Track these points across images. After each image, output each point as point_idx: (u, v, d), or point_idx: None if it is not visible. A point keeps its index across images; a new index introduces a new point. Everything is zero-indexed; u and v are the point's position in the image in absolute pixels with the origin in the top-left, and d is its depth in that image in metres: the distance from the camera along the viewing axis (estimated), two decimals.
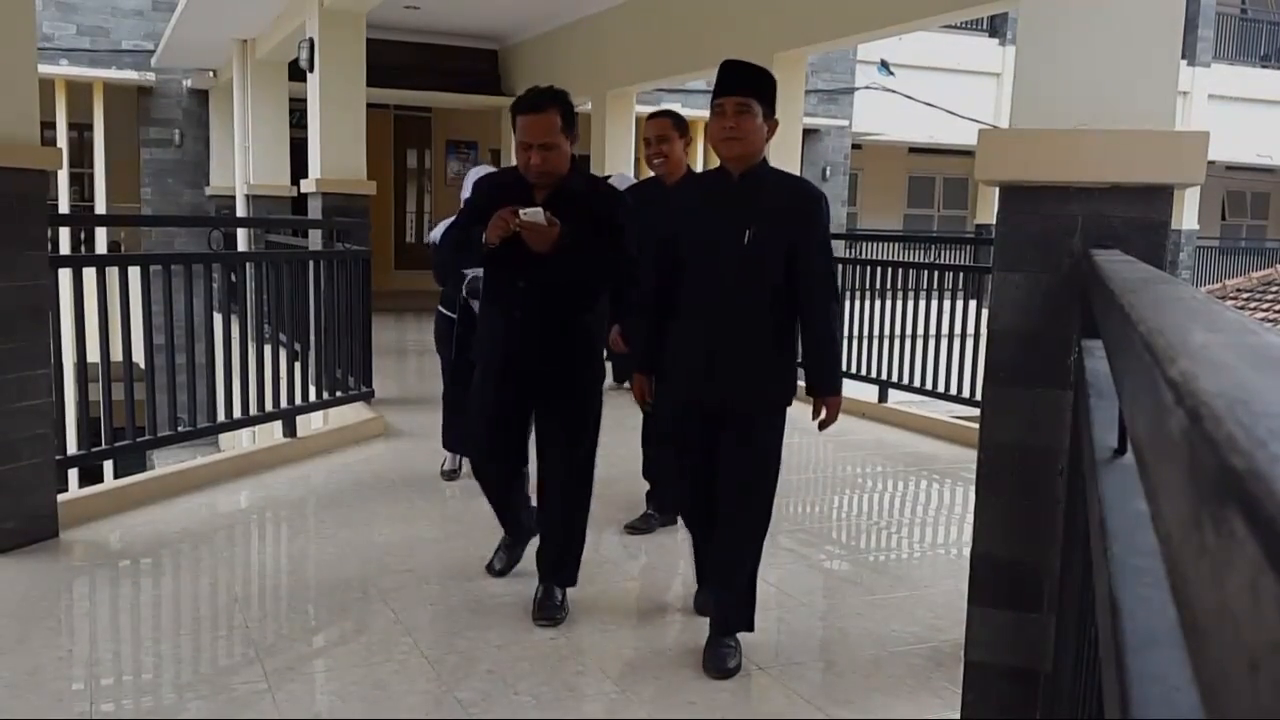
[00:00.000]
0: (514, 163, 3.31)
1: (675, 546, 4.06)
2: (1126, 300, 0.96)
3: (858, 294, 7.47)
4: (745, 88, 2.85)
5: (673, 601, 3.61)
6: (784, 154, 7.61)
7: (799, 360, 3.03)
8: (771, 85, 2.92)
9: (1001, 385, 2.39)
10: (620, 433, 4.76)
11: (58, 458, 4.02)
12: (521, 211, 2.98)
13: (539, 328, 3.19)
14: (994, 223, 2.48)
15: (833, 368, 3.02)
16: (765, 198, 2.88)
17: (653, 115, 4.09)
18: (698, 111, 13.60)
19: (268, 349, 5.50)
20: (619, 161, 9.85)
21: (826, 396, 2.97)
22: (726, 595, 3.07)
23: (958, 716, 2.52)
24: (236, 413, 5.20)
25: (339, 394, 5.91)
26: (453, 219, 3.56)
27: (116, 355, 4.44)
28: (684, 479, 3.12)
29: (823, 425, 3.01)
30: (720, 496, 3.00)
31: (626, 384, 5.95)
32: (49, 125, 11.02)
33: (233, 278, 7.12)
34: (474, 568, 3.70)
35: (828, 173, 14.35)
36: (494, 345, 3.29)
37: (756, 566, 3.11)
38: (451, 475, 4.92)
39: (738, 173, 2.90)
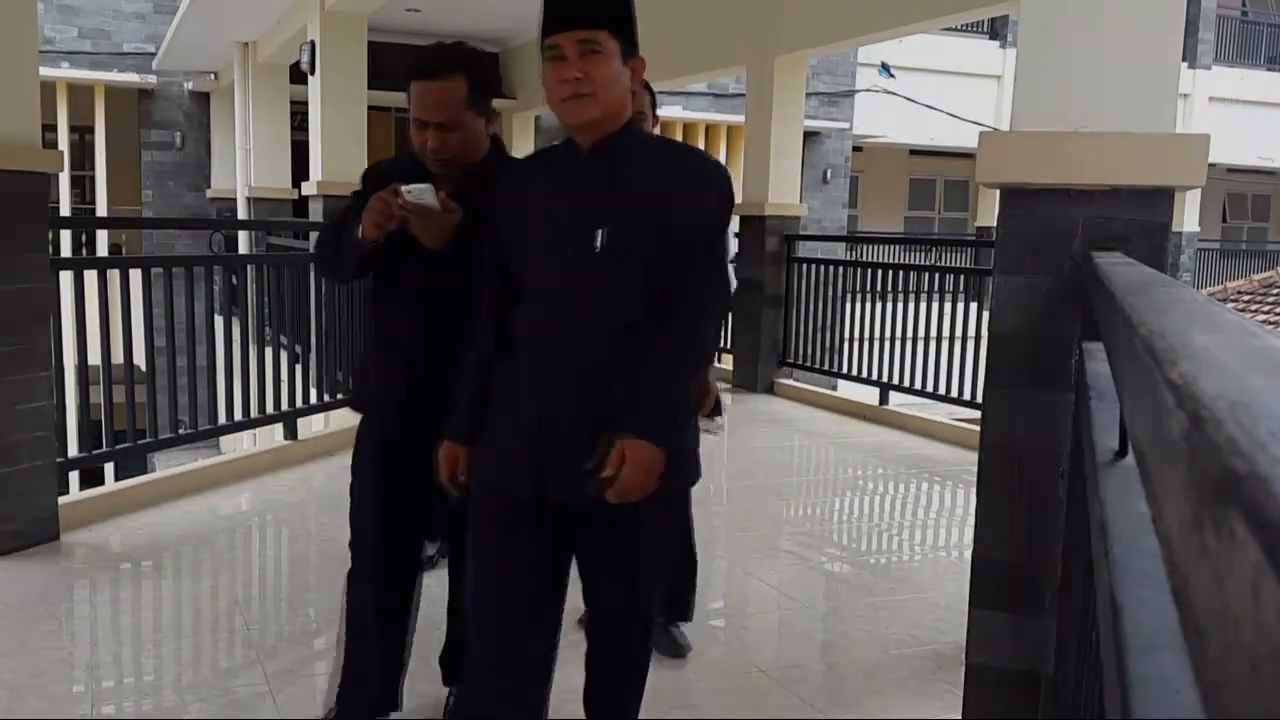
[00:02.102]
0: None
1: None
2: (1127, 303, 0.96)
3: (858, 296, 7.48)
4: (588, 14, 1.87)
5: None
6: (785, 156, 7.63)
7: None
8: (626, 7, 1.97)
9: (1002, 387, 2.39)
10: None
11: (58, 460, 4.02)
12: (405, 189, 2.16)
13: (441, 375, 2.19)
14: (995, 225, 2.48)
15: (662, 409, 1.85)
16: (630, 179, 1.91)
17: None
18: (699, 114, 13.64)
19: (268, 351, 5.50)
20: None
21: (632, 438, 1.79)
22: None
23: (959, 719, 2.52)
24: (237, 415, 5.20)
25: (340, 396, 5.91)
26: None
27: (117, 358, 4.44)
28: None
29: (603, 484, 1.78)
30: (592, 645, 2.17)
31: None
32: (50, 128, 11.03)
33: (234, 280, 7.13)
34: None
35: (828, 175, 14.36)
36: (377, 405, 2.46)
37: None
38: None
39: (589, 144, 1.91)
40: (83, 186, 12.79)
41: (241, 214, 10.28)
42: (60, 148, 11.05)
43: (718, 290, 1.96)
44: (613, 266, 1.88)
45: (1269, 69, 18.80)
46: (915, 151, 17.47)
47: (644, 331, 1.86)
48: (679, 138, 13.19)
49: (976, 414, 4.26)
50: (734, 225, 6.28)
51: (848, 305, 7.59)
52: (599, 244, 1.87)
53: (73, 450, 4.60)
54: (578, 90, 1.83)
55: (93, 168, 12.01)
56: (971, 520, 2.54)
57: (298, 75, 8.75)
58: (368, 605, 2.42)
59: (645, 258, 1.88)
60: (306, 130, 7.62)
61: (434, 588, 2.88)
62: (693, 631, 3.29)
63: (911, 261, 11.89)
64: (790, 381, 7.65)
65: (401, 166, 2.37)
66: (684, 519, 3.19)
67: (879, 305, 7.16)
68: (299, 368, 5.73)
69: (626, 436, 1.78)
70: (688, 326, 1.89)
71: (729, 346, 8.26)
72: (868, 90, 14.77)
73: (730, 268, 2.39)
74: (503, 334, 1.99)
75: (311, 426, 5.81)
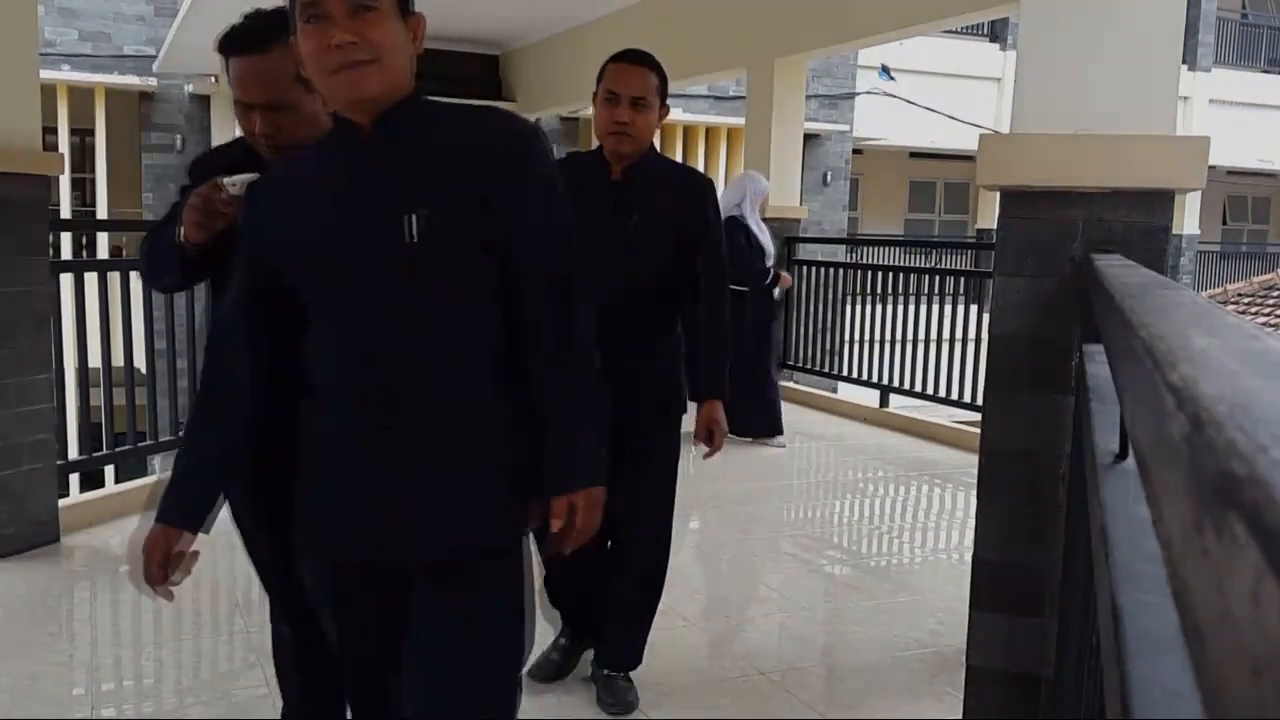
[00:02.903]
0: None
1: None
2: (1127, 305, 0.96)
3: (858, 299, 7.48)
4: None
5: (672, 601, 3.61)
6: (785, 159, 7.63)
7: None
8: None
9: (1002, 390, 2.39)
10: None
11: (59, 463, 4.02)
12: (228, 181, 1.85)
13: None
14: (995, 228, 2.48)
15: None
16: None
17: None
18: (700, 117, 13.64)
19: None
20: None
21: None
22: None
23: None
24: None
25: None
26: None
27: (118, 360, 4.44)
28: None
29: (556, 541, 1.66)
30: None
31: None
32: (51, 130, 11.03)
33: None
34: None
35: (829, 178, 14.36)
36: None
37: None
38: None
39: (369, 121, 1.63)
40: (83, 189, 12.80)
41: None
42: (61, 150, 11.05)
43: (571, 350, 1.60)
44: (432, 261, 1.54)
45: (1269, 71, 18.81)
46: (915, 154, 17.48)
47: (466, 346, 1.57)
48: (679, 140, 13.15)
49: (977, 416, 4.26)
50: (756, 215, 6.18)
51: (848, 308, 7.59)
52: (411, 232, 1.52)
53: (73, 453, 4.60)
54: (352, 57, 1.45)
55: (93, 170, 12.01)
56: (972, 523, 2.54)
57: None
58: (286, 647, 2.21)
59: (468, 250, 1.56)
60: None
61: None
62: (695, 633, 3.29)
63: (912, 264, 11.89)
64: (790, 384, 7.65)
65: (234, 156, 2.02)
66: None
67: (879, 308, 7.16)
68: None
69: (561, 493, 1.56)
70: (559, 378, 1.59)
71: None
72: (868, 93, 14.78)
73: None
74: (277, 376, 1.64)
75: None
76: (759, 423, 5.88)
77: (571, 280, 1.59)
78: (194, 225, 1.89)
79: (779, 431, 5.97)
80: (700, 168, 13.49)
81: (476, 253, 1.54)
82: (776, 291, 6.23)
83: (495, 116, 1.63)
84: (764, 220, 6.05)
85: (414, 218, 1.50)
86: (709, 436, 2.70)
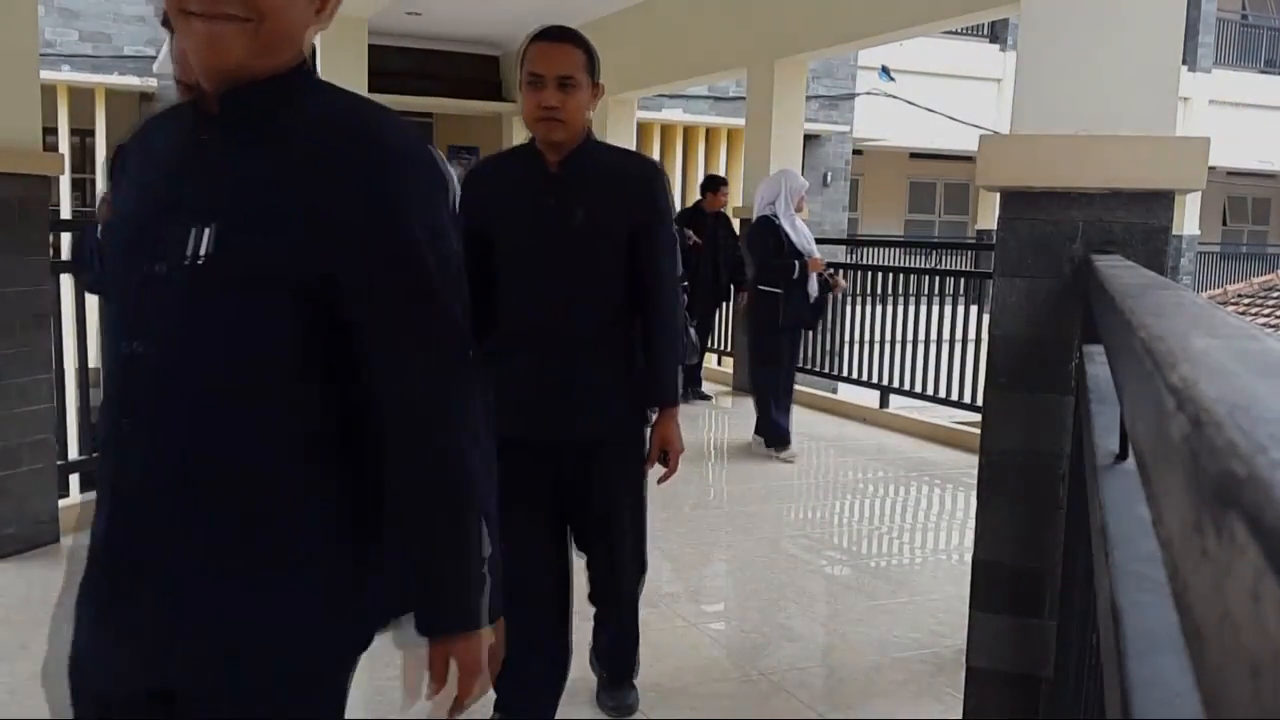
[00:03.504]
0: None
1: (670, 548, 4.05)
2: (1127, 305, 0.96)
3: (858, 299, 7.48)
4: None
5: (672, 602, 3.61)
6: (785, 159, 7.63)
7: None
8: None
9: (1003, 390, 2.39)
10: None
11: (59, 463, 4.02)
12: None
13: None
14: (995, 228, 2.48)
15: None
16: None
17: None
18: (700, 117, 13.64)
19: None
20: None
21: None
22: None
23: None
24: None
25: None
26: None
27: None
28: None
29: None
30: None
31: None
32: (51, 131, 11.03)
33: None
34: None
35: (829, 178, 14.37)
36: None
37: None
38: None
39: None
40: (83, 189, 12.80)
41: None
42: (61, 150, 11.06)
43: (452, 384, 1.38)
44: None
45: (1269, 72, 18.81)
46: (915, 155, 17.48)
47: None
48: (679, 140, 13.18)
49: (977, 417, 4.26)
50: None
51: (848, 308, 7.59)
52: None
53: (73, 453, 4.60)
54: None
55: (93, 171, 12.02)
56: (972, 523, 2.54)
57: None
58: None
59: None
60: None
61: None
62: (696, 631, 3.29)
63: (912, 264, 11.90)
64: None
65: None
66: None
67: (879, 308, 7.16)
68: None
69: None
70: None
71: (728, 349, 8.27)
72: (868, 93, 14.78)
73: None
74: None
75: None
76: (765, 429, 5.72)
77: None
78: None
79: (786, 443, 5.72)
80: (700, 168, 13.49)
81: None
82: (813, 289, 5.55)
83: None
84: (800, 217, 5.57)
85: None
86: (663, 457, 2.43)
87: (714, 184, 7.25)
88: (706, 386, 7.52)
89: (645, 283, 2.33)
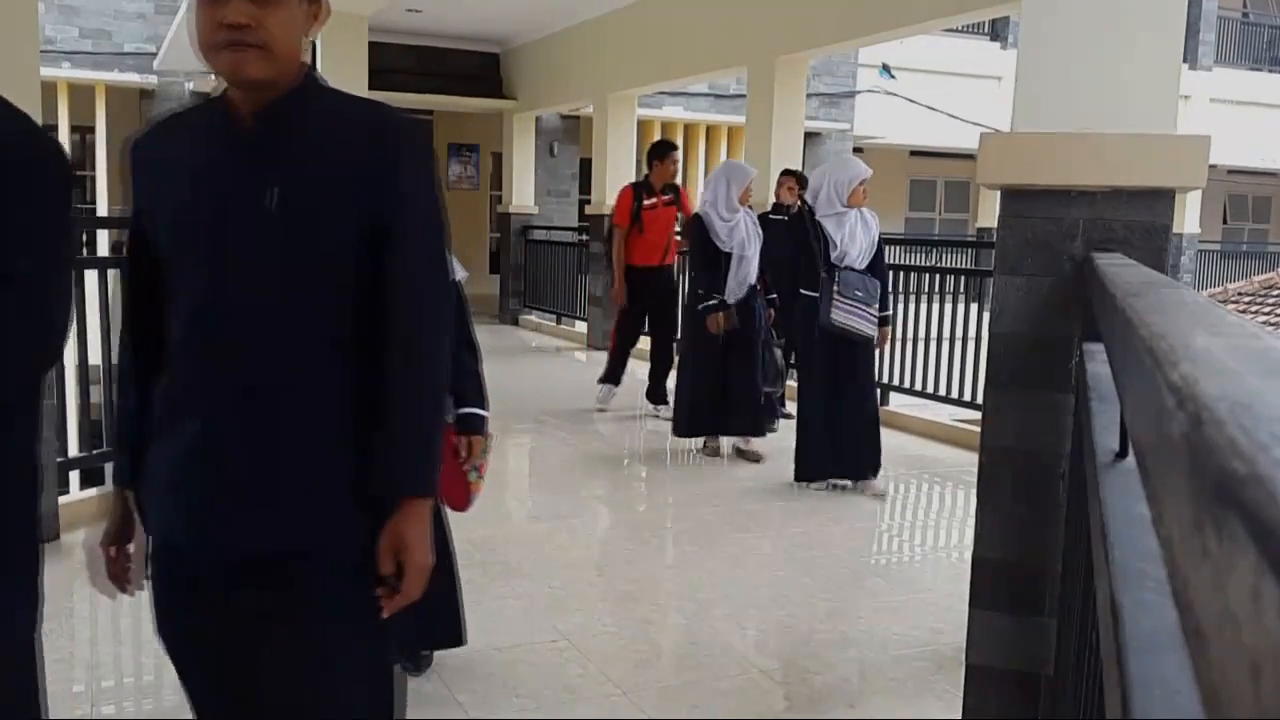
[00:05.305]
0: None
1: (670, 546, 4.05)
2: (1128, 304, 0.96)
3: None
4: None
5: (671, 600, 3.61)
6: (786, 157, 7.63)
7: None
8: None
9: (1003, 389, 2.39)
10: None
11: (59, 460, 4.02)
12: None
13: None
14: (995, 226, 2.48)
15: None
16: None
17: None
18: (699, 115, 13.63)
19: None
20: (621, 165, 9.85)
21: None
22: None
23: (958, 719, 2.52)
24: None
25: None
26: None
27: (118, 357, 4.44)
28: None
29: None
30: None
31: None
32: (51, 128, 11.01)
33: None
34: (476, 561, 3.70)
35: None
36: None
37: None
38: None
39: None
40: (83, 186, 12.78)
41: None
42: None
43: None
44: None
45: (1270, 70, 18.80)
46: (916, 152, 17.47)
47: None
48: (679, 139, 13.08)
49: (977, 415, 4.26)
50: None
51: None
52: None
53: (73, 450, 4.60)
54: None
55: (93, 168, 12.01)
56: (972, 521, 2.54)
57: None
58: None
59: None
60: None
61: None
62: (697, 630, 3.28)
63: (912, 262, 11.88)
64: (791, 383, 7.64)
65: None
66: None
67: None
68: None
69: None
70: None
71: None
72: (868, 91, 14.77)
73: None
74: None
75: None
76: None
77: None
78: None
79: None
80: (701, 167, 13.44)
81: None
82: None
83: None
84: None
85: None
86: (396, 569, 1.45)
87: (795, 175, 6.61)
88: None
89: (385, 302, 1.48)
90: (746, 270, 5.37)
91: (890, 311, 5.21)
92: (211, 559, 1.49)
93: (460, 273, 2.49)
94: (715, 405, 5.48)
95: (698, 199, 5.59)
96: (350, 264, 1.47)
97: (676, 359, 6.42)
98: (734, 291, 5.35)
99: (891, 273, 7.54)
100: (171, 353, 1.52)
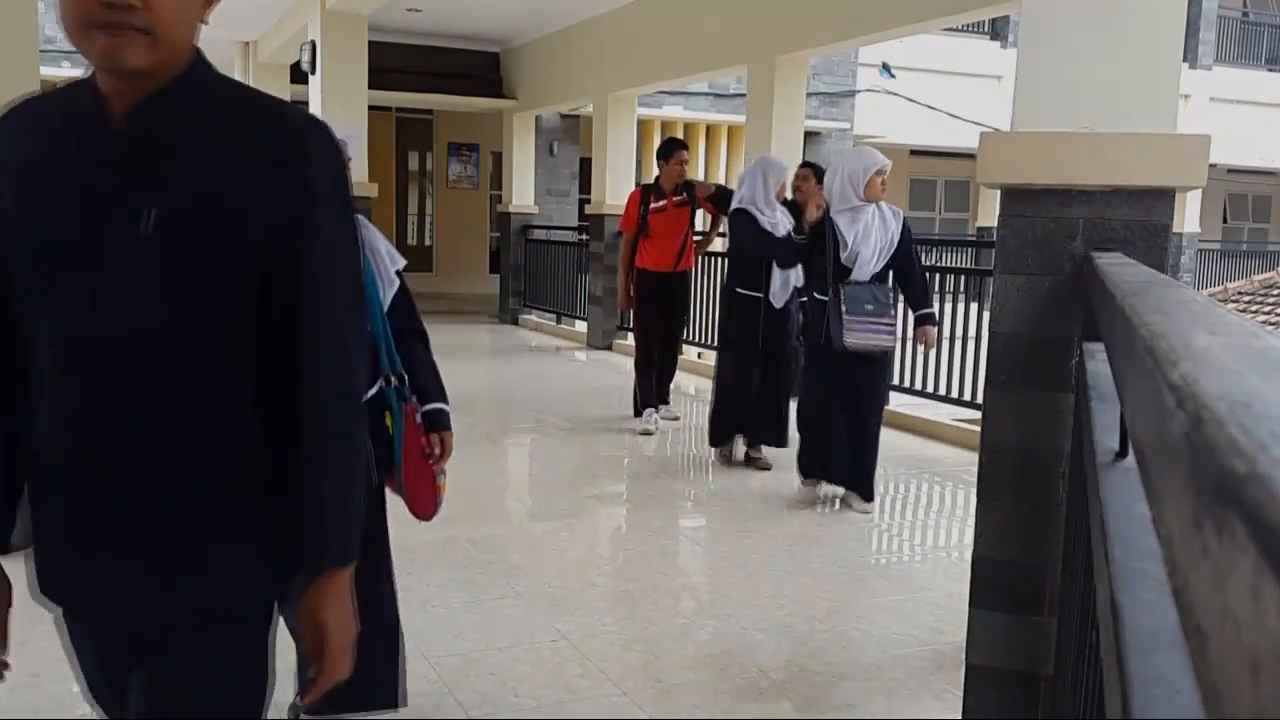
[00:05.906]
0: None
1: (670, 546, 4.05)
2: (1128, 303, 0.96)
3: None
4: None
5: (671, 600, 3.61)
6: (786, 157, 7.63)
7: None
8: None
9: (1003, 388, 2.39)
10: None
11: None
12: None
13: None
14: (995, 225, 2.48)
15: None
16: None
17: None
18: (699, 114, 13.63)
19: None
20: (621, 165, 9.84)
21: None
22: None
23: (958, 719, 2.52)
24: None
25: None
26: None
27: None
28: None
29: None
30: None
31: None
32: None
33: None
34: (476, 561, 3.70)
35: None
36: None
37: None
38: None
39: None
40: None
41: None
42: None
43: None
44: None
45: (1270, 69, 18.80)
46: (916, 152, 17.46)
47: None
48: (679, 137, 13.08)
49: (977, 414, 4.26)
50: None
51: None
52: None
53: None
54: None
55: None
56: (972, 521, 2.54)
57: (298, 75, 8.75)
58: None
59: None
60: None
61: None
62: (698, 630, 3.28)
63: None
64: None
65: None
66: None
67: None
68: None
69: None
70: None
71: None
72: (868, 90, 14.77)
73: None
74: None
75: None
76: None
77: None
78: None
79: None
80: (701, 166, 13.45)
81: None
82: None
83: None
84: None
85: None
86: (317, 656, 1.30)
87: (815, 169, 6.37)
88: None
89: (294, 331, 1.26)
90: (788, 273, 5.22)
91: (932, 308, 4.84)
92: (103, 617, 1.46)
93: (399, 261, 2.42)
94: (746, 409, 5.38)
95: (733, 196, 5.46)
96: (249, 288, 1.23)
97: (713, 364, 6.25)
98: (778, 296, 5.22)
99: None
100: (39, 389, 1.28)
